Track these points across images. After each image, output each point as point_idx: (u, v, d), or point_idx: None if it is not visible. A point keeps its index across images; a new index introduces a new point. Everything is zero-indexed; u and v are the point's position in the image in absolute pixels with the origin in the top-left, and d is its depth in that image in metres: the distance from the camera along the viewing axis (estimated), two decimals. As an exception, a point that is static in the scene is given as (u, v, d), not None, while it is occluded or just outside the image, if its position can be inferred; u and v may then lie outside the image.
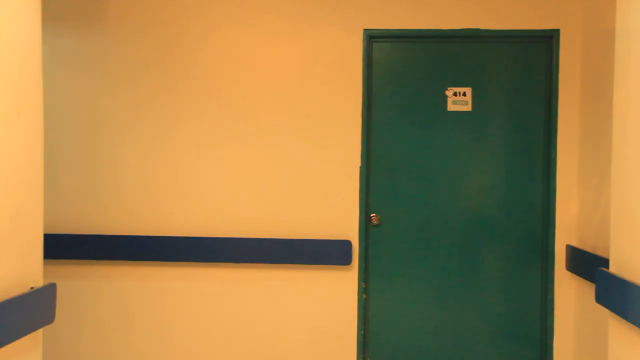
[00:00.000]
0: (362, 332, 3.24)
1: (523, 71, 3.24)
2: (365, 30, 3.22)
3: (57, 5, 3.25)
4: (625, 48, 2.05)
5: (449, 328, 3.25)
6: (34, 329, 2.07)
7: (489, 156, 3.25)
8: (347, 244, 3.17)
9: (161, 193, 3.25)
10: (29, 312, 2.02)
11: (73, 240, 3.23)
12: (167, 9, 3.27)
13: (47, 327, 2.18)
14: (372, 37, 3.25)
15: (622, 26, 2.08)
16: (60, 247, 3.21)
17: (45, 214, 2.25)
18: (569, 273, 3.14)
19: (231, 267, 3.24)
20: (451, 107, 3.25)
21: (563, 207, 3.15)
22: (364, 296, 3.25)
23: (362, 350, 3.24)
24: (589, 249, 2.92)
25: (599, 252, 2.78)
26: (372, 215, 3.25)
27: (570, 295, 3.15)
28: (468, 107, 3.24)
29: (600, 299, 2.22)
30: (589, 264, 2.82)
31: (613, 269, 2.13)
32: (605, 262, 2.46)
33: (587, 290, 2.89)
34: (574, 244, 3.12)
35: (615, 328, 2.09)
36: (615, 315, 2.07)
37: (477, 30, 3.19)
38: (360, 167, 3.22)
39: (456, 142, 3.25)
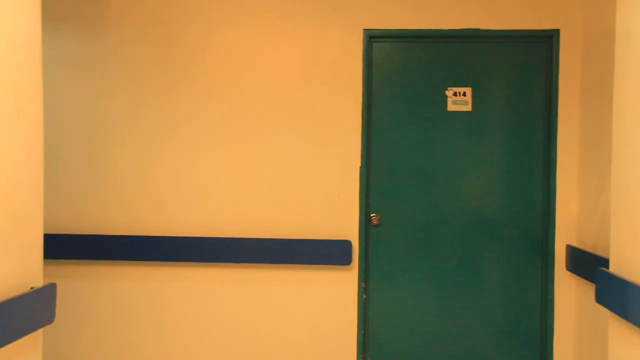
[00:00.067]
0: (362, 332, 3.24)
1: (523, 71, 3.24)
2: (365, 30, 3.22)
3: (57, 5, 3.25)
4: (625, 48, 2.05)
5: (448, 328, 3.25)
6: (34, 329, 2.07)
7: (489, 156, 3.25)
8: (347, 244, 3.17)
9: (161, 193, 3.25)
10: (29, 312, 2.02)
11: (73, 240, 3.23)
12: (167, 9, 3.27)
13: (47, 327, 2.18)
14: (372, 37, 3.25)
15: (622, 26, 2.08)
16: (60, 247, 3.21)
17: (45, 214, 2.25)
18: (569, 273, 3.14)
19: (231, 267, 3.24)
20: (451, 107, 3.25)
21: (563, 207, 3.15)
22: (364, 296, 3.25)
23: (362, 350, 3.25)
24: (589, 249, 2.92)
25: (599, 252, 2.78)
26: (372, 215, 3.25)
27: (570, 295, 3.15)
28: (468, 107, 3.24)
29: (600, 299, 2.22)
30: (589, 264, 2.82)
31: (613, 269, 2.13)
32: (605, 262, 2.46)
33: (587, 290, 2.89)
34: (574, 244, 3.12)
35: (615, 328, 2.09)
36: (615, 315, 2.07)
37: (477, 30, 3.19)
38: (360, 167, 3.22)
39: (456, 142, 3.25)
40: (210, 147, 3.25)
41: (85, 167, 3.27)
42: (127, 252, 3.22)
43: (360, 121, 3.21)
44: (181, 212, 3.24)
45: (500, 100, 3.24)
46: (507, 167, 3.24)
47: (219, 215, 3.24)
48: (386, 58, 3.28)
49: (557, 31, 3.17)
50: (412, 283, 3.26)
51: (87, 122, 3.28)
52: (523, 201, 3.23)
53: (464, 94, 3.24)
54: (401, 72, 3.28)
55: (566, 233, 3.15)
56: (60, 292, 2.43)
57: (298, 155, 3.23)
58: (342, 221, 3.21)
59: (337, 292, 3.22)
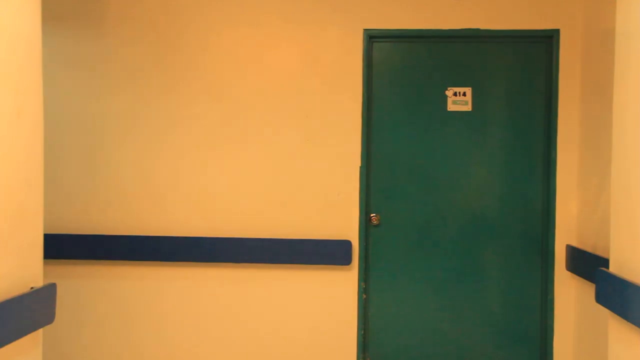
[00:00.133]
0: (362, 332, 3.24)
1: (523, 71, 3.24)
2: (365, 30, 3.22)
3: (57, 5, 3.25)
4: (625, 48, 2.05)
5: (449, 328, 3.25)
6: (34, 329, 2.07)
7: (489, 156, 3.25)
8: (347, 244, 3.17)
9: (161, 193, 3.25)
10: (29, 312, 2.02)
11: (73, 240, 3.23)
12: (167, 10, 3.27)
13: (47, 327, 2.18)
14: (372, 37, 3.25)
15: (622, 26, 2.08)
16: (60, 247, 3.21)
17: (45, 214, 2.25)
18: (569, 273, 3.14)
19: (231, 267, 3.24)
20: (451, 107, 3.25)
21: (563, 207, 3.15)
22: (364, 296, 3.25)
23: (362, 350, 3.25)
24: (589, 249, 2.92)
25: (599, 252, 2.78)
26: (372, 215, 3.25)
27: (570, 295, 3.15)
28: (468, 107, 3.24)
29: (600, 299, 2.22)
30: (589, 264, 2.82)
31: (613, 269, 2.13)
32: (605, 262, 2.46)
33: (587, 290, 2.89)
34: (574, 244, 3.12)
35: (615, 328, 2.09)
36: (615, 315, 2.07)
37: (477, 30, 3.19)
38: (360, 167, 3.22)
39: (456, 142, 3.25)
40: (210, 147, 3.25)
41: (85, 167, 3.27)
42: (127, 252, 3.22)
43: (360, 121, 3.21)
44: (181, 212, 3.25)
45: (500, 100, 3.24)
46: (507, 167, 3.24)
47: (219, 215, 3.24)
48: (386, 58, 3.29)
49: (557, 31, 3.17)
50: (412, 283, 3.26)
51: (87, 122, 3.28)
52: (523, 201, 3.23)
53: (464, 94, 3.24)
54: (401, 72, 3.28)
55: (566, 233, 3.15)
56: (60, 292, 2.43)
57: (298, 155, 3.23)
58: (342, 221, 3.22)
59: (337, 292, 3.22)
